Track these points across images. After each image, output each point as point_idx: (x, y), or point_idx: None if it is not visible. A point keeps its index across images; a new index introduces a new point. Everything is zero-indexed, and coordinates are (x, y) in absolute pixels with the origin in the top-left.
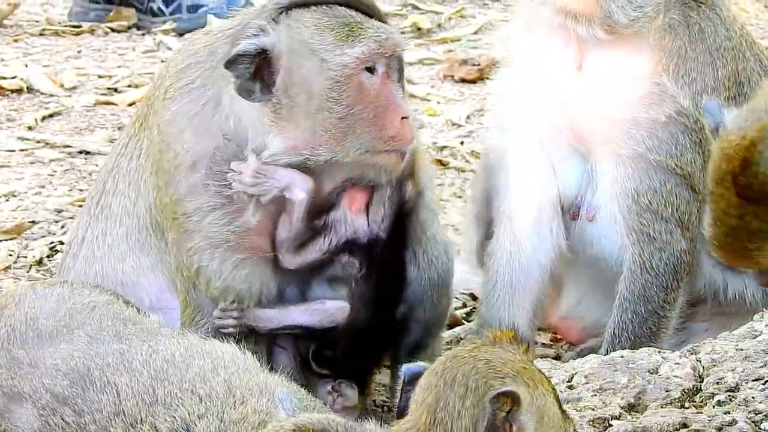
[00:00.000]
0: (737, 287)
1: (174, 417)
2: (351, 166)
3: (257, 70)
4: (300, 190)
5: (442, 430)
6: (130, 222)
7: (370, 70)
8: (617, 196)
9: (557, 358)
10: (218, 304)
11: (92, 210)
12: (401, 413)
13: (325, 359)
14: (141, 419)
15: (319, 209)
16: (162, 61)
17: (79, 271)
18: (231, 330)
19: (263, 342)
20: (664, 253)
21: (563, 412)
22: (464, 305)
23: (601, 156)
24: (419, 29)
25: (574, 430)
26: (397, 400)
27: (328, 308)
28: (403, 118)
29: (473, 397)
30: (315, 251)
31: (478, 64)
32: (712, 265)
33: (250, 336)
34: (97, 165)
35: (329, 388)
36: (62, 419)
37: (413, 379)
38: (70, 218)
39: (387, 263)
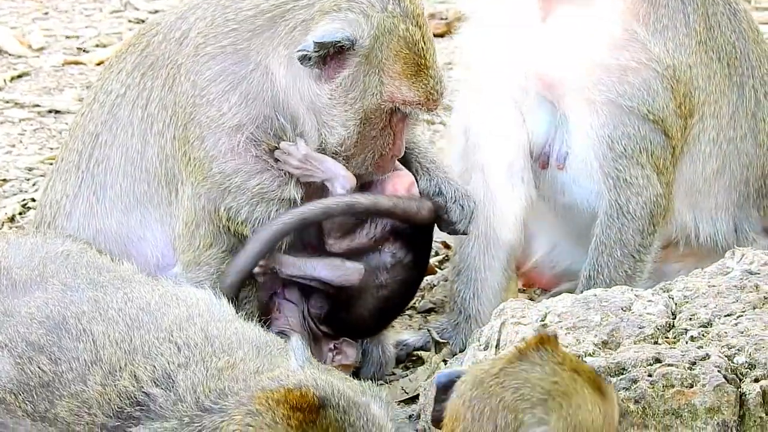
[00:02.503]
0: (709, 231)
1: (154, 366)
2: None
3: (328, 55)
4: (341, 187)
5: None
6: (137, 174)
7: (402, 111)
8: (592, 143)
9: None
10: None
11: (83, 164)
12: (436, 423)
13: (333, 320)
14: (120, 367)
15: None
16: (130, 21)
17: (75, 229)
18: (258, 271)
19: (264, 290)
20: (640, 197)
21: (600, 390)
22: (437, 253)
23: (573, 104)
24: None
25: (617, 399)
26: (431, 410)
27: (348, 267)
28: (393, 155)
29: None
30: (362, 237)
31: (446, 18)
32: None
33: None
34: (66, 124)
35: (331, 345)
36: (38, 367)
37: (446, 388)
38: (41, 176)
39: (423, 248)
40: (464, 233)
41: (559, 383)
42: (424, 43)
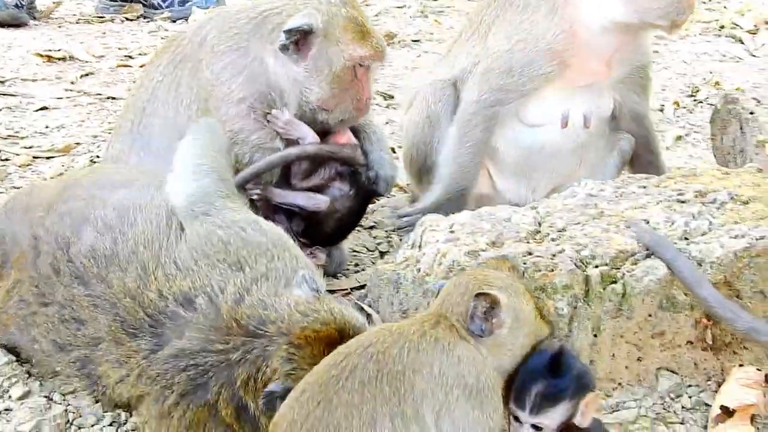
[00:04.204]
0: None
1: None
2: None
3: (298, 41)
4: (309, 140)
5: (448, 312)
6: (171, 134)
7: (362, 65)
8: None
9: None
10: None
11: (134, 129)
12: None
13: (309, 233)
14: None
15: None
16: (162, 38)
17: None
18: (256, 197)
19: (260, 214)
20: None
21: (543, 318)
22: None
23: None
24: None
25: (552, 332)
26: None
27: (318, 198)
28: (366, 98)
29: (467, 295)
30: (317, 179)
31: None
32: None
33: (263, 205)
34: (120, 107)
35: (308, 251)
36: (104, 244)
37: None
38: (103, 141)
39: (363, 187)
40: (383, 195)
41: (513, 286)
42: (361, 18)
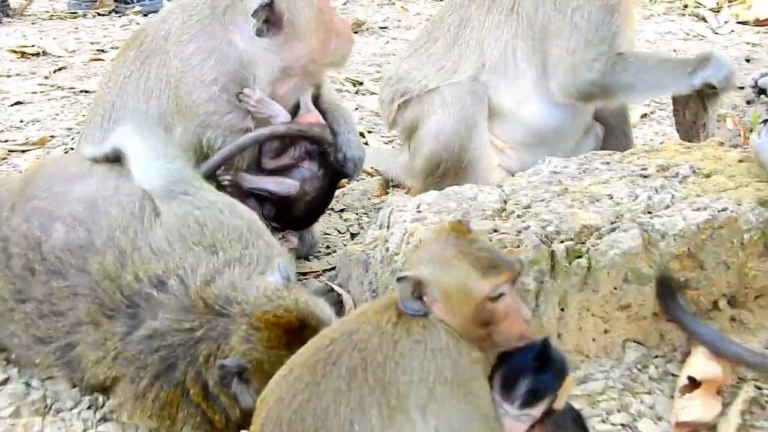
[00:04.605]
0: None
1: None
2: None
3: (268, 18)
4: (281, 119)
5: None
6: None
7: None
8: None
9: None
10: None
11: (105, 123)
12: None
13: (280, 218)
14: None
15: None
16: (133, 31)
17: None
18: (227, 183)
19: (237, 196)
20: None
21: (495, 267)
22: None
23: None
24: None
25: (515, 273)
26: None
27: (288, 183)
28: (347, 27)
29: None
30: (287, 158)
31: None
32: None
33: (234, 191)
34: (92, 99)
35: (280, 236)
36: (77, 235)
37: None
38: (77, 134)
39: (331, 167)
40: (351, 176)
41: (446, 257)
42: None
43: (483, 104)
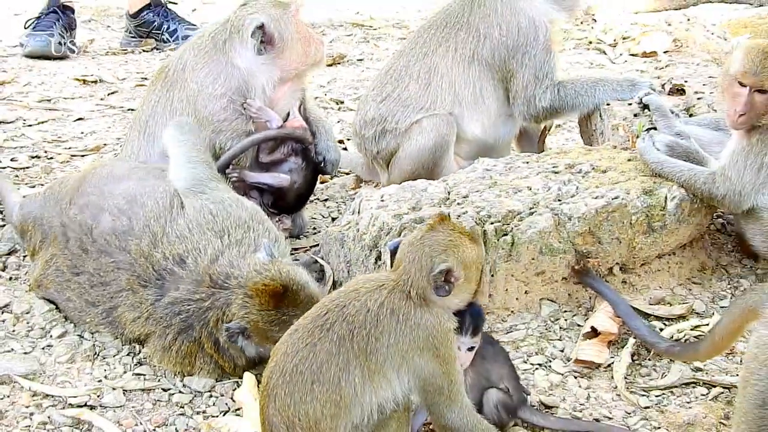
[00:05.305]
0: None
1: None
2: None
3: (263, 39)
4: (275, 124)
5: (405, 285)
6: None
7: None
8: None
9: None
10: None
11: (142, 137)
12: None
13: (276, 205)
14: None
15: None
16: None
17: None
18: (234, 179)
19: (240, 191)
20: None
21: (474, 239)
22: None
23: None
24: None
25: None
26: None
27: (281, 177)
28: (317, 36)
29: (424, 271)
30: (279, 154)
31: (333, 56)
32: None
33: (240, 185)
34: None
35: (276, 219)
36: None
37: (395, 249)
38: (121, 144)
39: (313, 161)
40: (330, 173)
41: (452, 240)
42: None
43: (454, 131)
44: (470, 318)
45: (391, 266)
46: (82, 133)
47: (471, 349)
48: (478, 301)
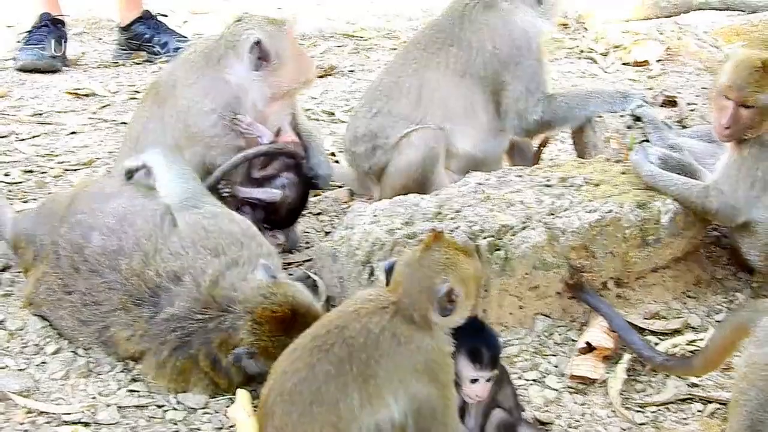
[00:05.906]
0: None
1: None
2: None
3: (260, 56)
4: (266, 139)
5: (406, 307)
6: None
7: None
8: None
9: None
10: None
11: (132, 151)
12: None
13: (269, 220)
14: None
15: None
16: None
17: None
18: (226, 195)
19: (232, 206)
20: None
21: (469, 254)
22: None
23: None
24: None
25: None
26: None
27: (273, 192)
28: (308, 57)
29: (427, 292)
30: (271, 169)
31: (324, 68)
32: None
33: (232, 201)
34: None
35: (269, 234)
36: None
37: (391, 268)
38: (117, 156)
39: (305, 176)
40: (322, 188)
41: (449, 258)
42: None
43: (443, 144)
44: (487, 350)
45: (387, 285)
46: (74, 147)
47: (489, 380)
48: (494, 331)
